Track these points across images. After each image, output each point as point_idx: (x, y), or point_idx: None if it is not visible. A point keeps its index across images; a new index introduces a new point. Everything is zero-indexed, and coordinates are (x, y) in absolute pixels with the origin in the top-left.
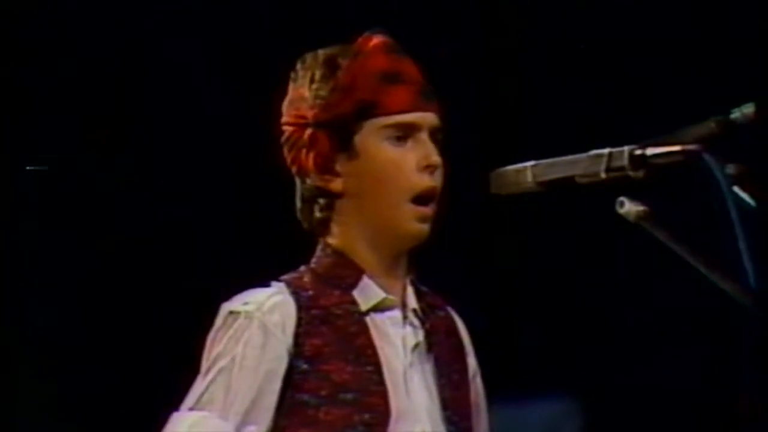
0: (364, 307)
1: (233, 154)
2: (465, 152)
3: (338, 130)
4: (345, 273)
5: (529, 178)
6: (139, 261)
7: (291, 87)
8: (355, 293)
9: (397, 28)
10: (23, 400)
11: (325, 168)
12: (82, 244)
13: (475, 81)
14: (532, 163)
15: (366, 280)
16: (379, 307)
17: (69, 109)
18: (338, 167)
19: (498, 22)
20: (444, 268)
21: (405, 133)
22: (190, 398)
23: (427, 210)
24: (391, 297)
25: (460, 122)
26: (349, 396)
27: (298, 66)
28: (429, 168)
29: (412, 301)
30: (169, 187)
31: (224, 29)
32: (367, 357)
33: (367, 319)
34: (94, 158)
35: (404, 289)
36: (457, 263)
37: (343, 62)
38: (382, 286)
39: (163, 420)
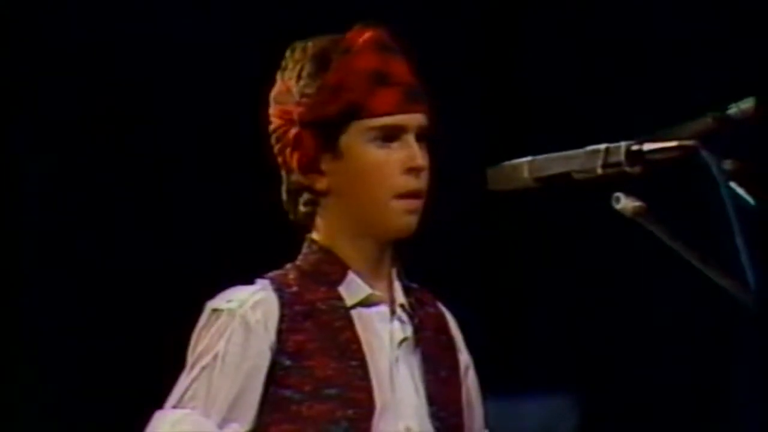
0: (349, 302)
1: (221, 152)
2: (463, 147)
3: (323, 131)
4: (331, 269)
5: (526, 173)
6: (125, 261)
7: (279, 78)
8: (341, 289)
9: (395, 23)
10: (13, 397)
11: (310, 168)
12: (71, 240)
13: (474, 76)
14: (528, 158)
15: (352, 276)
16: (365, 303)
17: (65, 107)
18: (323, 166)
19: (497, 18)
20: (442, 263)
21: (391, 135)
22: (174, 396)
23: (415, 202)
24: (377, 293)
25: (458, 118)
26: (333, 391)
27: (287, 56)
28: (413, 170)
29: (400, 297)
30: (158, 187)
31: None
32: (351, 352)
33: (353, 314)
34: (87, 155)
35: (391, 285)
36: (455, 259)
37: (332, 59)
38: (368, 281)
39: (147, 418)
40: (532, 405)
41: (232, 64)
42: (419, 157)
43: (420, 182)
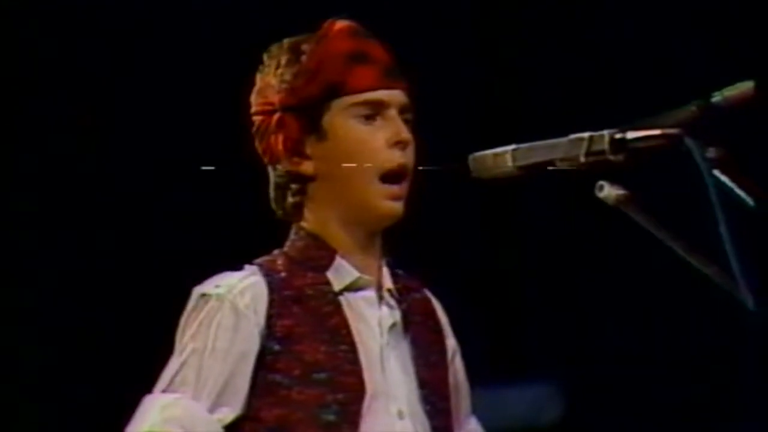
0: (337, 287)
1: (209, 142)
2: (461, 136)
3: (306, 113)
4: (318, 254)
5: (509, 162)
6: (113, 247)
7: (258, 77)
8: (329, 274)
9: (393, 16)
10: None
11: (295, 151)
12: (60, 230)
13: (470, 66)
14: (512, 146)
15: (339, 261)
16: (353, 287)
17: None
18: (308, 150)
19: (492, 9)
20: (430, 252)
21: (373, 111)
22: (163, 380)
23: (398, 189)
24: (365, 276)
25: (455, 109)
26: (323, 375)
27: (265, 57)
28: (399, 144)
29: (388, 282)
30: (145, 174)
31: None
32: (341, 336)
33: (341, 299)
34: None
35: (380, 270)
36: (443, 248)
37: (308, 47)
38: (356, 266)
39: (136, 403)
40: (518, 393)
41: (216, 59)
42: (404, 131)
43: (406, 156)
